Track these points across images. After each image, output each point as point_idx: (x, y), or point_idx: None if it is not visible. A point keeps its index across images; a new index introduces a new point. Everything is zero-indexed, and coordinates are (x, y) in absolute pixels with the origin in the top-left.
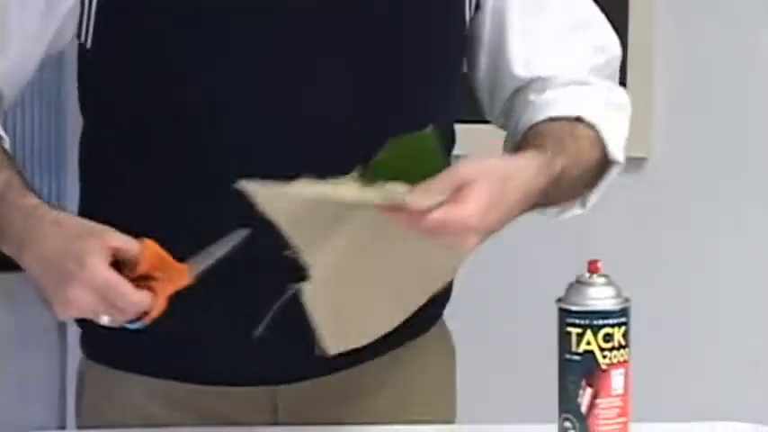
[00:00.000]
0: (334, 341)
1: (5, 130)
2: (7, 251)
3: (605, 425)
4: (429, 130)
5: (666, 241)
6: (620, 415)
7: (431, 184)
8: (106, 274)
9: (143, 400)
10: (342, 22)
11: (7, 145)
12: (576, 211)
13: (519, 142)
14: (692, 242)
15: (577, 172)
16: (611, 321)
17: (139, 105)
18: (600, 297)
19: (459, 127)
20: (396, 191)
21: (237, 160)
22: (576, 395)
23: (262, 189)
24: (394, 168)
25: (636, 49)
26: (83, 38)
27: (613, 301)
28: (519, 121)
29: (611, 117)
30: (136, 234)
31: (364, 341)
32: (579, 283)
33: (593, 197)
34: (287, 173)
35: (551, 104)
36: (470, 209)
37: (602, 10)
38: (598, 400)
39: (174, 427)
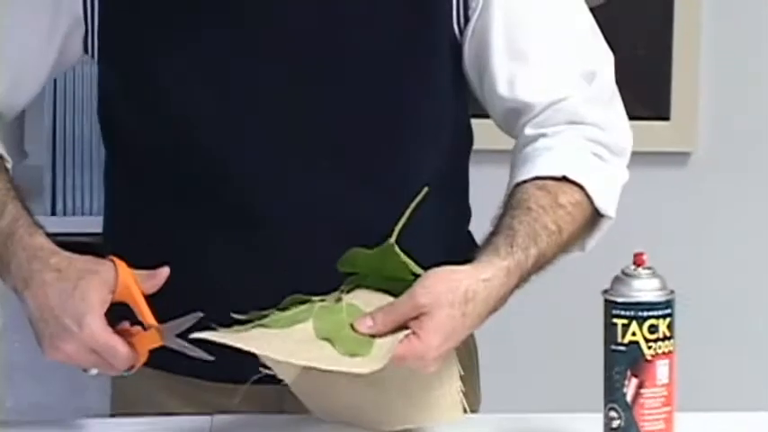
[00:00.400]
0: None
1: (53, 132)
2: (9, 286)
3: (650, 414)
4: (391, 241)
5: (711, 234)
6: (664, 405)
7: (388, 309)
8: (105, 336)
9: (161, 395)
10: (341, 24)
11: (10, 165)
12: (575, 254)
13: (504, 202)
14: (736, 235)
15: (560, 244)
16: (656, 313)
17: (142, 113)
18: (645, 289)
19: (477, 122)
20: (357, 305)
21: (234, 160)
22: (622, 385)
23: (219, 336)
24: (361, 270)
25: (681, 44)
26: (89, 51)
27: (658, 293)
28: (515, 164)
29: (601, 169)
30: (143, 252)
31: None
32: (625, 275)
33: (592, 242)
34: (283, 172)
35: (540, 159)
36: (428, 345)
37: (647, 3)
38: (643, 390)
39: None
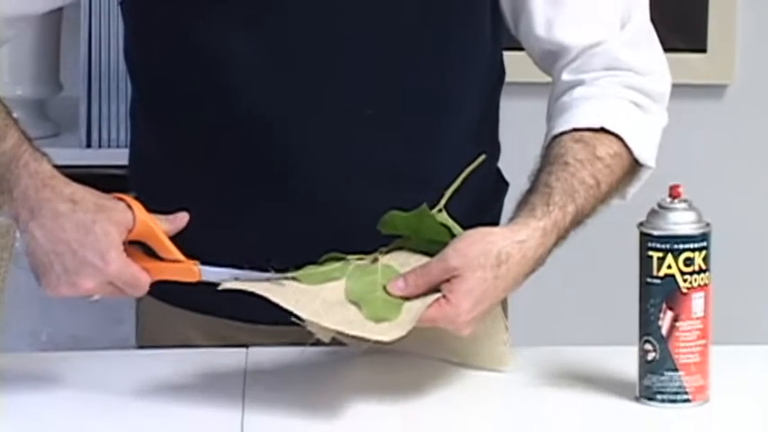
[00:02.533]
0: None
1: (89, 63)
2: (9, 214)
3: (686, 347)
4: (424, 206)
5: (747, 166)
6: (700, 338)
7: (421, 271)
8: (130, 270)
9: (191, 334)
10: None
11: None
12: (615, 203)
13: (541, 156)
14: None
15: (598, 197)
16: (691, 246)
17: (176, 63)
18: (681, 222)
19: (507, 54)
20: (393, 266)
21: (270, 110)
22: (657, 318)
23: (248, 286)
24: (401, 232)
25: None
26: None
27: (694, 225)
28: (552, 114)
29: (639, 118)
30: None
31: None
32: (661, 207)
33: (632, 190)
34: (319, 120)
35: (578, 109)
36: (458, 308)
37: None
38: (678, 323)
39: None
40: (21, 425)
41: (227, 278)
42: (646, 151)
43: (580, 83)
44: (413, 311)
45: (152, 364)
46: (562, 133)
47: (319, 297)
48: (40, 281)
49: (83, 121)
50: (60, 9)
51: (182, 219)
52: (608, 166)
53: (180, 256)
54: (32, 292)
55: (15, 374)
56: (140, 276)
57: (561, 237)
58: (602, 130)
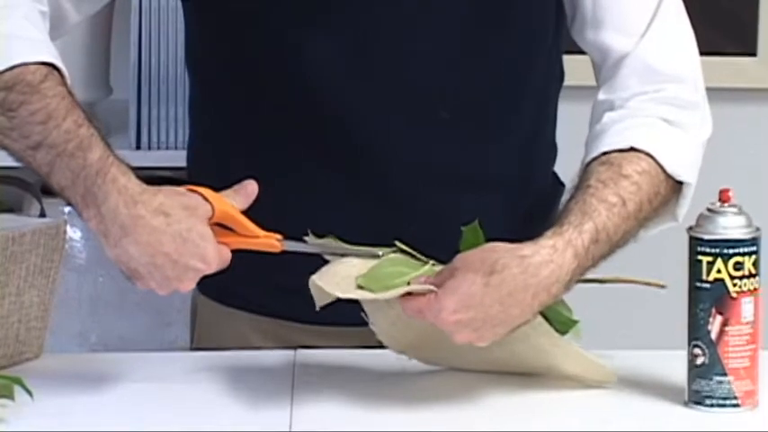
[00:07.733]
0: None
1: (139, 67)
2: (97, 228)
3: (735, 352)
4: (475, 223)
5: None
6: (749, 342)
7: (438, 272)
8: (225, 260)
9: (248, 335)
10: None
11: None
12: (668, 225)
13: (575, 181)
14: None
15: (626, 216)
16: (741, 250)
17: (240, 56)
18: (731, 226)
19: (566, 57)
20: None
21: (344, 105)
22: (706, 322)
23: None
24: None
25: None
26: None
27: (744, 230)
28: (587, 142)
29: (671, 134)
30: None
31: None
32: (710, 211)
33: (682, 210)
34: (391, 120)
35: (606, 134)
36: (442, 304)
37: None
38: (728, 328)
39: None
40: (71, 425)
41: (310, 249)
42: (679, 166)
43: (610, 107)
44: (394, 292)
45: (201, 365)
46: (592, 160)
47: (348, 265)
48: (135, 284)
49: (132, 123)
50: (112, 8)
51: (249, 187)
52: (635, 183)
53: (260, 232)
54: (82, 294)
55: (65, 375)
56: (227, 256)
57: (581, 256)
58: (632, 149)
